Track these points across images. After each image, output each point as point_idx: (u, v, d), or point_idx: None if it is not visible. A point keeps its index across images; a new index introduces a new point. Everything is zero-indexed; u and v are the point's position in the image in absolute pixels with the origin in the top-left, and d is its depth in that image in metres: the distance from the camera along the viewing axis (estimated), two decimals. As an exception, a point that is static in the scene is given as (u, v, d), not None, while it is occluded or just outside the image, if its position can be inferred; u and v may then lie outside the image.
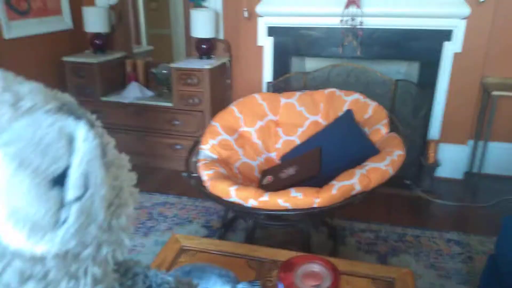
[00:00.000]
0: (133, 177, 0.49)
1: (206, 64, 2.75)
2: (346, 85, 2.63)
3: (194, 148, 2.17)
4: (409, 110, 2.71)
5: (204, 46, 2.90)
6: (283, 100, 2.43)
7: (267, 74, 2.99)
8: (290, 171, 2.16)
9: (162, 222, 2.43)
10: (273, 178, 2.17)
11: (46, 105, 0.38)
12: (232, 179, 1.93)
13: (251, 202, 1.70)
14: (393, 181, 2.52)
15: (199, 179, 1.93)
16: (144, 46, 3.39)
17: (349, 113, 2.28)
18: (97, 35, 3.08)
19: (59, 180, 0.35)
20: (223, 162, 2.12)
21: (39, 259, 0.36)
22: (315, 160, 2.14)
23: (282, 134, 2.40)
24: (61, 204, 0.36)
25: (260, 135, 2.35)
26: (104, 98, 2.99)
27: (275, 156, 2.37)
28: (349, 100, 2.33)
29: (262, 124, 2.37)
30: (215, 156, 2.14)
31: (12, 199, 0.33)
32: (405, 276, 1.31)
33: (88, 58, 3.00)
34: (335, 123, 2.31)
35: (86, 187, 0.37)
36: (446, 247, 2.21)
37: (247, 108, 2.36)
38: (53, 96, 0.41)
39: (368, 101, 2.28)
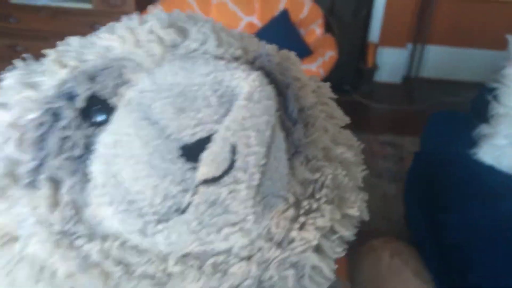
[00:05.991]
0: None
1: (126, -42, 2.41)
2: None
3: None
4: (350, 11, 2.58)
5: None
6: (214, -2, 2.22)
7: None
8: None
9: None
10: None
11: None
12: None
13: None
14: (332, 87, 2.49)
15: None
16: None
17: (284, 14, 2.14)
18: None
19: None
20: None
21: None
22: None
23: (215, 38, 2.23)
24: None
25: (190, 40, 2.16)
26: (13, 0, 2.62)
27: (208, 62, 2.22)
28: (285, -2, 2.16)
29: (192, 27, 2.17)
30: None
31: None
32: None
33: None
34: (270, 25, 2.17)
35: None
36: (380, 149, 2.26)
37: (174, 8, 2.13)
38: None
39: (305, -1, 2.14)
